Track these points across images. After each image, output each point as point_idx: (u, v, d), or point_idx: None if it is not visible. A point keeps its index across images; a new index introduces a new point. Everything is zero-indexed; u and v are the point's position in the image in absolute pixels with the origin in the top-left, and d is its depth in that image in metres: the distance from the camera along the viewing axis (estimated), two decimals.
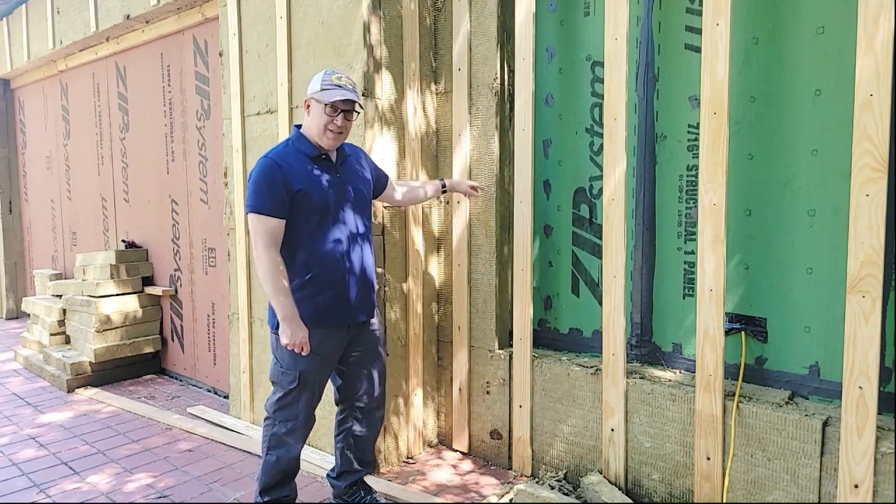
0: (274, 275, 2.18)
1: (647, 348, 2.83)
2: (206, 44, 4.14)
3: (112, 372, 4.52)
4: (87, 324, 4.46)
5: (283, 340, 2.19)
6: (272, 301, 2.20)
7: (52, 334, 4.81)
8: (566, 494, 2.67)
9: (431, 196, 2.88)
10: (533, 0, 2.83)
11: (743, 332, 2.54)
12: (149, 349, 4.65)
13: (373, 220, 2.67)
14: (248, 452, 3.25)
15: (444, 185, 2.88)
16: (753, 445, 2.33)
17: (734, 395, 2.39)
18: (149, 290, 4.71)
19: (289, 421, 2.35)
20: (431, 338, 3.29)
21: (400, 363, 3.10)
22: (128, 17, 4.43)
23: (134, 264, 4.73)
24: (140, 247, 4.92)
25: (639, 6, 2.74)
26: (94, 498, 2.80)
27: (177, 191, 4.51)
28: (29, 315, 5.35)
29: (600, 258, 2.86)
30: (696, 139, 2.61)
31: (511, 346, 3.06)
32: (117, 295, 4.56)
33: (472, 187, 2.92)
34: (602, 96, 2.79)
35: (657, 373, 2.71)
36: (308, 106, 2.31)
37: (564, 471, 2.88)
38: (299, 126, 2.38)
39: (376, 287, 2.57)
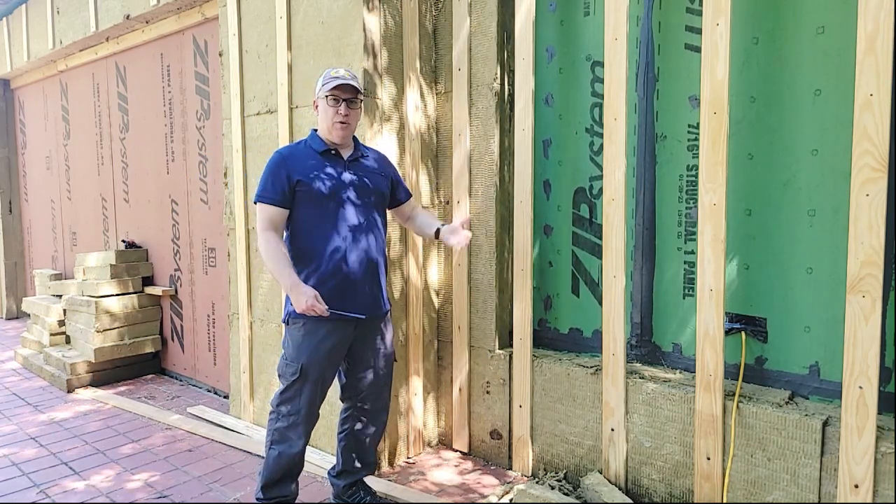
0: (273, 250, 2.22)
1: (647, 348, 2.83)
2: (206, 44, 4.14)
3: (112, 372, 4.52)
4: (88, 324, 4.46)
5: (298, 308, 2.17)
6: (275, 274, 2.22)
7: (52, 334, 4.81)
8: (566, 494, 2.67)
9: (425, 235, 2.63)
10: (533, 0, 2.83)
11: (743, 332, 2.54)
12: (149, 349, 4.65)
13: None
14: (249, 452, 3.25)
15: (437, 231, 2.53)
16: (753, 445, 2.33)
17: (734, 394, 2.39)
18: (149, 290, 4.72)
19: (290, 415, 2.36)
20: (431, 338, 3.29)
21: (400, 363, 3.10)
22: (128, 17, 4.43)
23: (134, 264, 4.73)
24: (140, 247, 4.92)
25: (639, 6, 2.74)
26: (94, 498, 2.80)
27: (177, 191, 4.51)
28: (29, 315, 5.35)
29: (600, 258, 2.86)
30: (696, 139, 2.61)
31: (511, 346, 3.06)
32: (117, 295, 4.56)
33: (466, 235, 2.46)
34: (602, 96, 2.80)
35: (657, 373, 2.71)
36: (316, 106, 2.40)
37: (564, 471, 2.88)
38: (316, 130, 2.45)
39: (386, 285, 2.56)
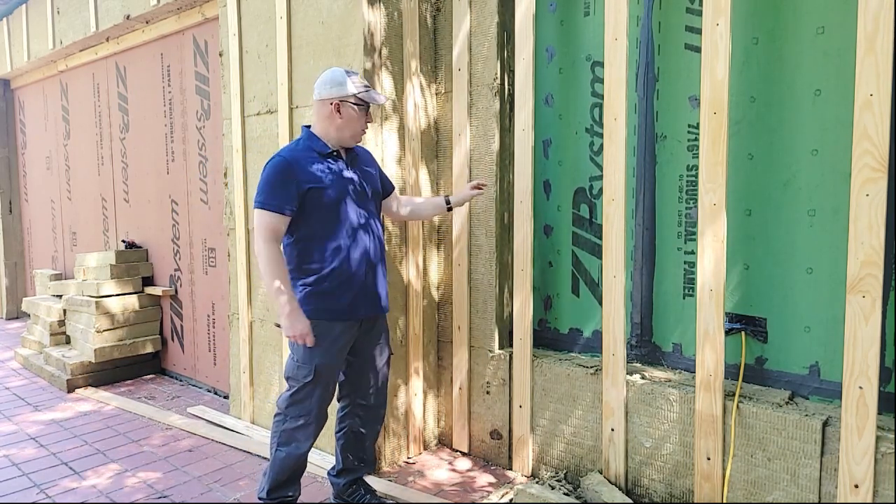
0: (275, 264, 2.20)
1: (647, 348, 2.83)
2: (206, 44, 4.14)
3: (112, 372, 4.52)
4: (88, 324, 4.46)
5: (286, 333, 2.21)
6: (271, 291, 2.21)
7: (52, 334, 4.81)
8: (566, 494, 2.67)
9: (432, 215, 2.80)
10: (533, 0, 2.83)
11: (743, 332, 2.54)
12: (149, 349, 4.65)
13: None
14: (249, 453, 3.25)
15: (448, 204, 2.70)
16: (753, 445, 2.33)
17: (734, 395, 2.39)
18: (149, 290, 4.72)
19: (301, 417, 2.36)
20: (431, 338, 3.29)
21: (400, 363, 3.10)
22: (128, 17, 4.43)
23: (134, 264, 4.73)
24: (140, 247, 4.92)
25: (639, 6, 2.74)
26: (94, 498, 2.80)
27: (177, 191, 4.51)
28: (29, 315, 5.35)
29: (600, 258, 2.86)
30: (696, 139, 2.61)
31: (511, 346, 3.06)
32: (117, 295, 4.56)
33: (476, 186, 2.70)
34: (602, 96, 2.79)
35: (657, 373, 2.71)
36: (338, 108, 2.30)
37: (564, 471, 2.88)
38: (308, 126, 2.41)
39: (386, 285, 2.58)
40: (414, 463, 3.13)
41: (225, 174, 3.66)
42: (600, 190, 2.90)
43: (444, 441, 3.34)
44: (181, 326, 4.60)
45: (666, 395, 2.54)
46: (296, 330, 2.20)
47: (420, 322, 3.17)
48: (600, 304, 2.94)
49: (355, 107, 2.31)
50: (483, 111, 3.04)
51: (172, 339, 4.70)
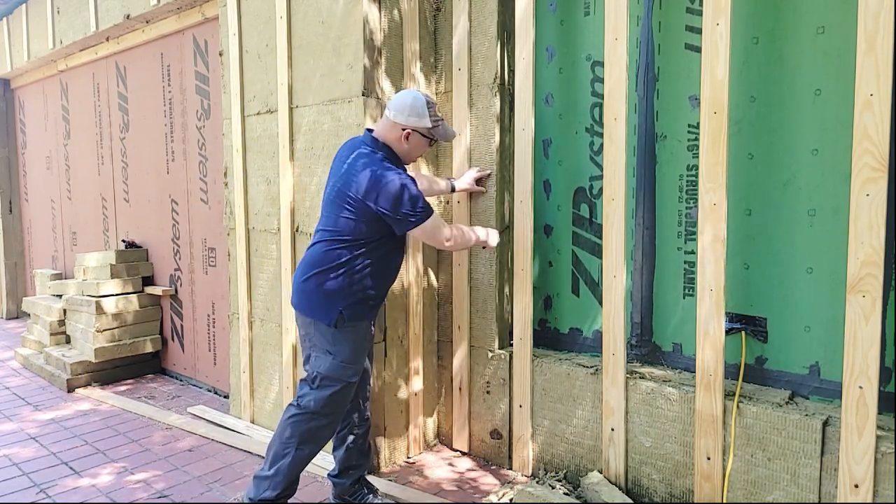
0: (465, 235, 2.52)
1: (647, 348, 2.83)
2: (206, 44, 4.14)
3: (112, 372, 4.52)
4: (88, 323, 4.46)
5: (494, 242, 2.67)
6: (475, 241, 2.58)
7: (52, 334, 4.81)
8: (566, 494, 2.68)
9: (438, 192, 2.97)
10: (532, 0, 2.83)
11: (743, 332, 2.54)
12: (149, 349, 4.65)
13: None
14: (249, 452, 3.25)
15: (453, 188, 2.96)
16: (753, 445, 2.33)
17: (734, 394, 2.39)
18: (149, 289, 4.72)
19: (332, 414, 2.39)
20: (431, 337, 3.29)
21: (400, 363, 3.10)
22: (128, 16, 4.43)
23: (134, 264, 4.73)
24: (140, 247, 4.92)
25: (639, 6, 2.74)
26: (94, 498, 2.80)
27: (177, 191, 4.51)
28: (29, 315, 5.35)
29: (600, 258, 2.86)
30: (696, 139, 2.61)
31: (511, 345, 3.06)
32: (117, 295, 4.56)
33: (477, 178, 2.99)
34: (602, 96, 2.79)
35: (657, 373, 2.71)
36: (408, 136, 2.37)
37: (564, 471, 2.88)
38: (371, 130, 2.45)
39: None
40: (414, 463, 3.13)
41: (225, 174, 3.66)
42: (600, 190, 2.90)
43: (444, 441, 3.34)
44: (181, 326, 4.60)
45: (666, 394, 2.54)
46: (497, 237, 2.70)
47: (420, 322, 3.17)
48: (600, 303, 2.94)
49: (423, 138, 2.41)
50: (483, 111, 3.04)
51: (172, 339, 4.70)
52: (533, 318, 2.96)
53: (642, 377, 2.65)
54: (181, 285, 4.57)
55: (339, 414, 2.42)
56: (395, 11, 3.01)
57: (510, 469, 3.04)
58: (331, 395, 2.35)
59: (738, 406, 2.35)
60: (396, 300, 3.05)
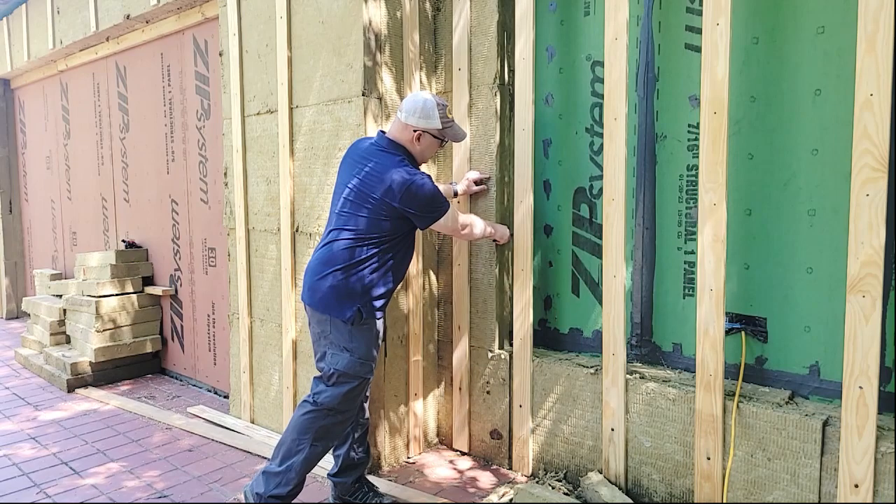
0: (481, 222, 2.69)
1: (647, 348, 2.83)
2: (206, 44, 4.14)
3: (112, 372, 4.52)
4: (88, 323, 4.46)
5: (505, 238, 2.87)
6: (489, 235, 2.77)
7: (52, 334, 4.81)
8: (566, 494, 2.68)
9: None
10: (532, 0, 2.83)
11: (743, 332, 2.54)
12: (149, 349, 4.65)
13: None
14: (249, 452, 3.25)
15: (455, 193, 3.02)
16: (753, 445, 2.33)
17: (734, 394, 2.39)
18: (149, 289, 4.72)
19: (348, 411, 2.41)
20: (431, 337, 3.29)
21: (400, 363, 3.10)
22: (128, 16, 4.43)
23: (134, 264, 4.73)
24: (140, 247, 4.92)
25: (639, 6, 2.74)
26: (94, 498, 2.80)
27: (177, 191, 4.51)
28: (29, 315, 5.35)
29: (600, 258, 2.86)
30: (696, 139, 2.61)
31: (511, 345, 3.06)
32: (117, 295, 4.56)
33: (476, 181, 3.03)
34: (602, 96, 2.79)
35: (657, 373, 2.71)
36: (419, 138, 2.44)
37: (564, 470, 2.88)
38: (383, 131, 2.50)
39: None
40: (414, 462, 3.13)
41: (225, 174, 3.66)
42: (600, 190, 2.90)
43: (444, 441, 3.34)
44: (181, 326, 4.60)
45: (666, 394, 2.54)
46: (507, 232, 2.90)
47: (420, 322, 3.17)
48: (600, 303, 2.94)
49: (434, 139, 2.48)
50: (483, 110, 3.04)
51: (172, 339, 4.70)
52: (533, 318, 2.96)
53: (642, 377, 2.65)
54: (181, 285, 4.57)
55: (353, 411, 2.44)
56: (396, 11, 3.01)
57: (510, 469, 3.04)
58: (347, 392, 2.37)
59: (738, 406, 2.35)
60: (396, 300, 3.05)
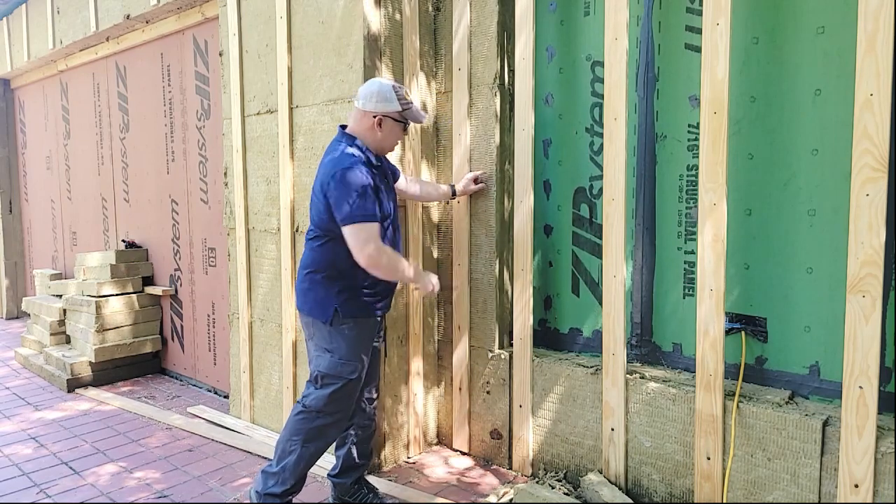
0: (395, 256, 2.33)
1: (647, 348, 2.83)
2: (206, 44, 4.14)
3: (112, 371, 4.52)
4: (88, 323, 4.46)
5: (426, 289, 2.46)
6: (401, 273, 2.34)
7: (52, 334, 4.81)
8: (566, 494, 2.68)
9: (440, 198, 3.03)
10: (532, 0, 2.83)
11: (743, 332, 2.54)
12: (149, 349, 4.65)
13: None
14: (249, 452, 3.25)
15: (454, 192, 3.01)
16: (753, 445, 2.33)
17: (734, 394, 2.39)
18: (149, 289, 4.72)
19: (336, 413, 2.39)
20: (431, 337, 3.29)
21: (400, 363, 3.10)
22: (128, 16, 4.43)
23: (134, 264, 4.73)
24: (140, 247, 4.92)
25: (639, 6, 2.74)
26: (94, 498, 2.80)
27: (177, 191, 4.51)
28: (29, 315, 5.35)
29: (600, 258, 2.86)
30: (696, 139, 2.61)
31: (511, 345, 3.06)
32: (117, 295, 4.56)
33: (475, 180, 3.02)
34: (602, 96, 2.79)
35: (657, 373, 2.71)
36: (380, 123, 2.35)
37: (564, 470, 2.88)
38: (343, 127, 2.43)
39: None
40: (414, 462, 3.13)
41: (225, 174, 3.66)
42: (600, 190, 2.90)
43: (444, 441, 3.34)
44: (181, 326, 4.60)
45: (666, 394, 2.54)
46: (430, 284, 2.47)
47: (420, 322, 3.17)
48: (600, 303, 2.94)
49: (397, 123, 2.39)
50: (483, 110, 3.04)
51: (172, 339, 4.70)
52: (533, 318, 2.96)
53: (642, 377, 2.65)
54: (181, 285, 4.57)
55: (344, 412, 2.42)
56: (396, 11, 3.01)
57: (510, 469, 3.04)
58: (332, 393, 2.36)
59: (738, 406, 2.35)
60: (396, 300, 3.05)
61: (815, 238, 2.36)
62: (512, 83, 3.03)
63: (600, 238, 2.91)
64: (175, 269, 4.61)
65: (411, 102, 2.40)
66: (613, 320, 2.65)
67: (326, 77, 3.02)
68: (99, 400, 4.14)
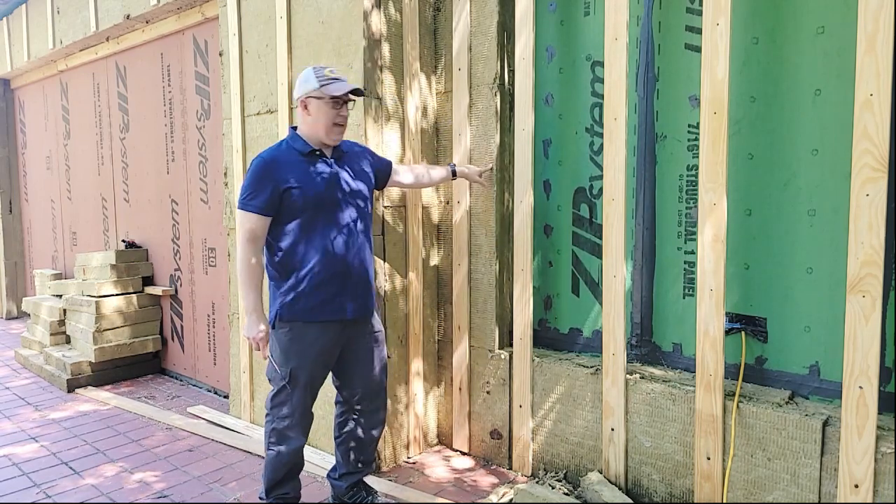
0: (250, 268, 2.26)
1: (647, 348, 2.83)
2: (206, 44, 4.14)
3: (112, 372, 4.52)
4: (88, 324, 4.46)
5: (242, 332, 2.27)
6: (243, 291, 2.28)
7: (52, 334, 4.81)
8: (566, 494, 2.68)
9: (438, 181, 2.91)
10: (532, 0, 2.83)
11: (743, 332, 2.54)
12: (149, 349, 4.65)
13: (373, 219, 2.68)
14: (249, 452, 3.25)
15: (454, 172, 2.89)
16: (753, 445, 2.33)
17: (734, 394, 2.39)
18: (149, 289, 4.72)
19: (285, 418, 2.36)
20: (431, 337, 3.29)
21: (400, 363, 3.10)
22: (128, 16, 4.43)
23: (134, 264, 4.73)
24: (140, 247, 4.92)
25: (639, 6, 2.74)
26: (94, 498, 2.80)
27: (177, 191, 4.51)
28: (29, 315, 5.35)
29: (600, 258, 2.86)
30: (696, 139, 2.61)
31: (511, 345, 3.06)
32: (117, 295, 4.56)
33: (481, 174, 2.95)
34: (602, 96, 2.79)
35: (657, 373, 2.71)
36: (306, 106, 2.31)
37: (564, 470, 2.88)
38: (294, 127, 2.40)
39: (374, 285, 2.56)
40: (414, 463, 3.13)
41: (225, 174, 3.66)
42: (600, 190, 2.90)
43: (444, 441, 3.34)
44: (181, 326, 4.60)
45: (666, 394, 2.54)
46: (251, 333, 2.30)
47: (420, 322, 3.17)
48: (600, 303, 2.94)
49: (320, 101, 2.28)
50: (483, 111, 3.04)
51: (172, 339, 4.70)
52: (533, 318, 2.96)
53: (642, 377, 2.65)
54: (181, 285, 4.57)
55: (292, 416, 2.34)
56: (396, 11, 3.01)
57: (510, 469, 3.04)
58: (273, 398, 2.38)
59: (738, 406, 2.35)
60: (396, 300, 3.05)
61: (815, 238, 2.36)
62: (512, 83, 3.03)
63: (600, 238, 2.91)
64: (175, 269, 4.61)
65: (335, 79, 2.29)
66: (613, 320, 2.65)
67: None
68: (99, 400, 4.14)
